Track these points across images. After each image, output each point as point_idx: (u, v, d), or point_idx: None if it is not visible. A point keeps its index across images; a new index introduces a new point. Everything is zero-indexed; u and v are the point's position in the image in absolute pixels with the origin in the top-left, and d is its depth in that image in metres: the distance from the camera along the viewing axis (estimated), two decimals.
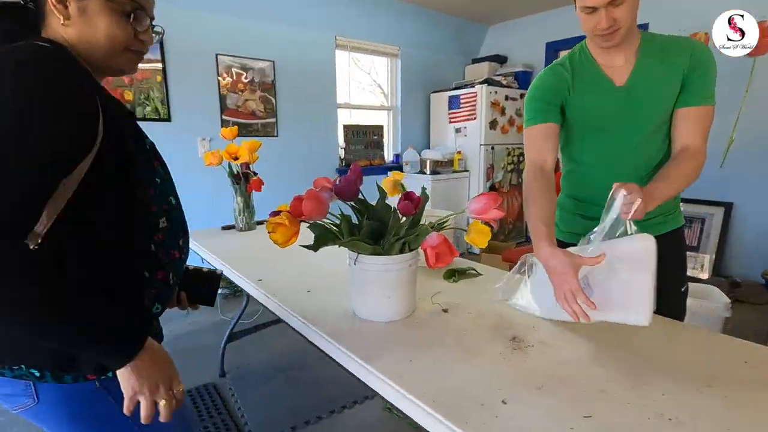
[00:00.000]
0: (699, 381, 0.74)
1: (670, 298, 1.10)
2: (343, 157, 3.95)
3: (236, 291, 3.08)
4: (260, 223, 2.10)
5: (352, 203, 1.02)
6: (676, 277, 1.22)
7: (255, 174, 1.99)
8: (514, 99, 4.12)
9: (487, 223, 0.96)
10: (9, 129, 0.55)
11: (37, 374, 0.67)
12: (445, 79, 4.40)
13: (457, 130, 4.13)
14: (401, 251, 0.97)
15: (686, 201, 3.14)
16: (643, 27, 1.22)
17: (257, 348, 2.35)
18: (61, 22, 0.67)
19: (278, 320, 1.20)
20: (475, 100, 3.92)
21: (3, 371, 0.67)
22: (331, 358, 0.93)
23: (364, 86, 5.52)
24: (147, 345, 0.66)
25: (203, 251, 1.71)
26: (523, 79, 4.23)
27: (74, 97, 0.61)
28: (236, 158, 1.90)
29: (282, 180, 3.11)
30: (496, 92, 3.94)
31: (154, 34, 0.78)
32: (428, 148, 4.37)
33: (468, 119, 4.02)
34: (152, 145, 0.79)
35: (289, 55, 3.40)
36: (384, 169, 4.15)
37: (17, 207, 0.55)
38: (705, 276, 3.13)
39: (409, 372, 0.78)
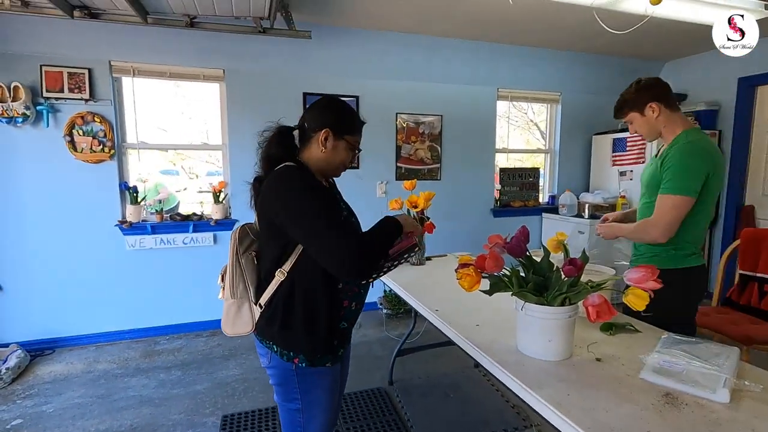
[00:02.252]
0: None
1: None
2: (498, 198, 4.18)
3: (399, 312, 3.56)
4: (428, 258, 2.50)
5: (521, 259, 1.29)
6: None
7: (428, 218, 2.40)
8: None
9: None
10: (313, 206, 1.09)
11: (275, 349, 1.18)
12: (609, 120, 4.27)
13: (622, 174, 3.96)
14: (563, 303, 1.19)
15: None
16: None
17: (419, 365, 2.72)
18: (321, 150, 1.20)
19: (440, 344, 1.51)
20: (644, 143, 3.73)
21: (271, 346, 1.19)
22: (497, 380, 1.20)
23: (520, 124, 5.67)
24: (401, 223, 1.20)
25: (386, 279, 2.16)
26: (705, 118, 3.84)
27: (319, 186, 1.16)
28: (416, 206, 2.34)
29: (442, 217, 3.51)
30: None
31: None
32: (587, 191, 4.27)
33: (635, 162, 3.83)
34: (348, 207, 1.30)
35: (454, 108, 3.85)
36: (539, 210, 4.23)
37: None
38: None
39: (567, 403, 1.01)
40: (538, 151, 4.61)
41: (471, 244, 3.42)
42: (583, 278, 1.23)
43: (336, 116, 1.23)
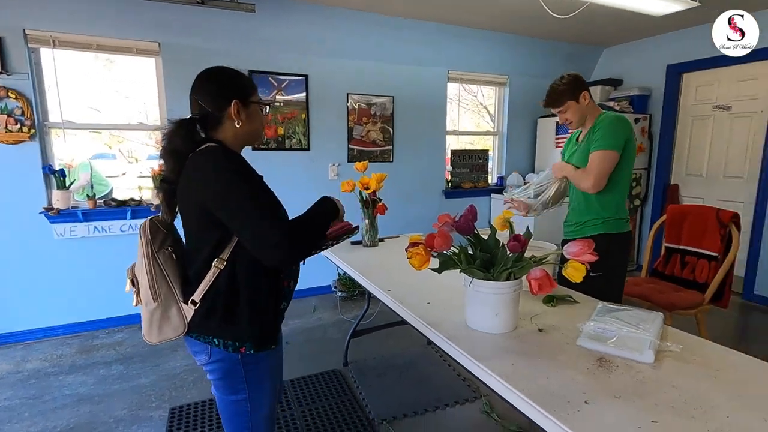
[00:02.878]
0: (765, 411, 0.89)
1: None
2: (449, 179, 4.26)
3: (353, 294, 3.57)
4: (381, 240, 2.51)
5: (469, 237, 1.32)
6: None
7: (380, 200, 2.40)
8: None
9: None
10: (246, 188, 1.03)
11: (216, 343, 1.10)
12: None
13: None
14: (508, 278, 1.24)
15: None
16: None
17: (374, 345, 2.76)
18: (238, 125, 1.13)
19: (394, 323, 1.53)
20: None
21: (211, 341, 1.11)
22: (448, 356, 1.24)
23: (470, 107, 5.78)
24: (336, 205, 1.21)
25: (339, 261, 2.15)
26: (638, 103, 4.10)
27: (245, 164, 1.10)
28: (367, 188, 2.32)
29: (395, 199, 3.53)
30: None
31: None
32: (533, 172, 4.46)
33: None
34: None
35: (405, 90, 3.85)
36: (488, 191, 4.36)
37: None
38: None
39: (512, 372, 1.05)
40: (487, 133, 4.72)
41: (423, 225, 3.48)
42: (527, 254, 1.29)
43: (235, 84, 1.16)
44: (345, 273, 2.28)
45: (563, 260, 1.20)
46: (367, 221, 2.40)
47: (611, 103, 4.07)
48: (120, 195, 3.11)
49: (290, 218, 1.10)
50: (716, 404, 0.91)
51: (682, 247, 2.58)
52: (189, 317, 1.10)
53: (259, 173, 1.14)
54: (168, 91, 3.07)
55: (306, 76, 3.44)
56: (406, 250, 1.28)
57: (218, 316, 1.08)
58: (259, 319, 1.11)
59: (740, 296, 3.64)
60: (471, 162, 4.35)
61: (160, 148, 1.14)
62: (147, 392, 2.31)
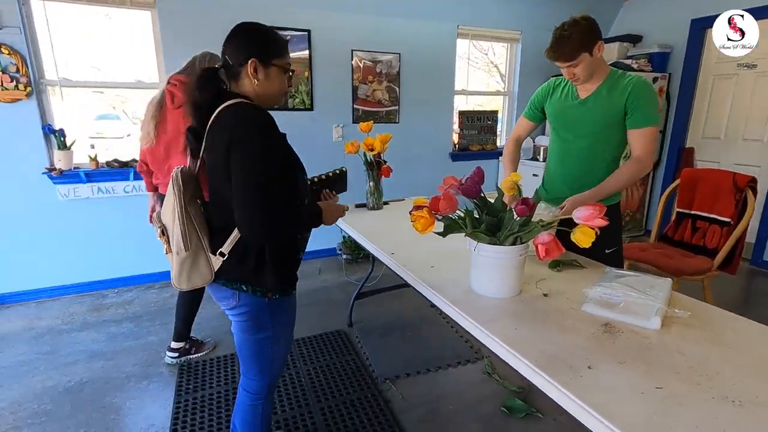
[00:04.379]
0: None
1: (598, 256, 1.55)
2: (457, 141, 4.15)
3: (358, 257, 3.58)
4: (386, 203, 2.47)
5: (475, 200, 1.28)
6: (604, 240, 1.48)
7: (385, 162, 2.34)
8: None
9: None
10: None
11: (245, 289, 1.17)
12: None
13: None
14: (514, 243, 1.21)
15: None
16: None
17: (378, 307, 2.79)
18: (254, 83, 1.13)
19: (398, 286, 1.54)
20: None
21: (239, 288, 1.18)
22: (442, 321, 1.23)
23: (480, 66, 5.55)
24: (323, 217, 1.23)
25: (343, 224, 2.12)
26: (658, 61, 3.90)
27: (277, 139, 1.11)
28: (372, 149, 2.26)
29: (401, 161, 3.46)
30: None
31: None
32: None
33: None
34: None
35: (413, 47, 3.67)
36: (496, 153, 4.26)
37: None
38: None
39: (514, 336, 1.04)
40: (497, 93, 4.56)
41: (429, 188, 3.41)
42: (535, 218, 1.25)
43: (258, 42, 1.14)
44: (349, 236, 2.26)
45: (566, 224, 1.16)
46: (371, 183, 2.36)
47: (629, 61, 3.88)
48: (123, 156, 3.07)
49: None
50: (722, 370, 0.90)
51: (693, 212, 2.52)
52: (216, 267, 1.16)
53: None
54: (165, 47, 2.96)
55: (308, 31, 3.29)
56: (410, 213, 1.24)
57: (247, 266, 1.15)
58: (282, 269, 1.19)
59: (748, 262, 3.60)
60: (480, 123, 4.22)
61: (186, 100, 1.18)
62: (157, 349, 2.37)
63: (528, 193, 1.27)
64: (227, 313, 1.26)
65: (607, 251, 1.66)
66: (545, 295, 1.27)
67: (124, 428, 1.81)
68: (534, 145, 4.13)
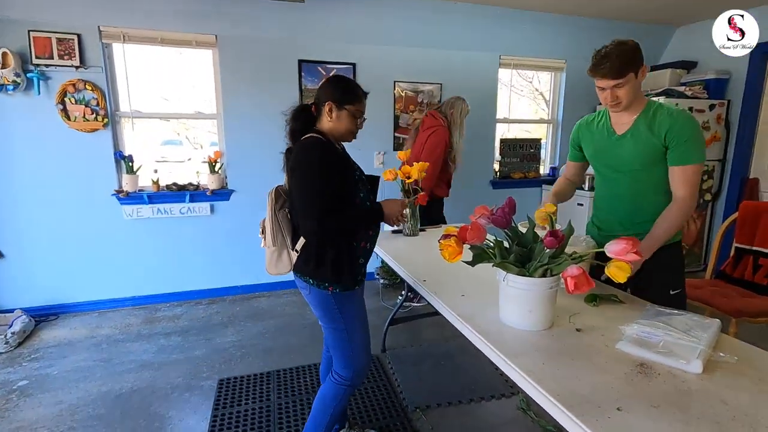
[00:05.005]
0: None
1: (662, 298, 1.42)
2: (497, 169, 4.13)
3: (396, 281, 3.60)
4: (422, 229, 2.50)
5: (506, 231, 1.28)
6: (667, 281, 1.57)
7: (421, 190, 2.39)
8: (701, 111, 3.66)
9: None
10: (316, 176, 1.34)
11: (312, 282, 1.45)
12: None
13: None
14: (544, 275, 1.19)
15: None
16: None
17: (412, 333, 2.78)
18: (328, 120, 1.45)
19: (432, 314, 1.54)
20: None
21: (308, 281, 1.46)
22: (478, 351, 1.22)
23: (525, 93, 5.52)
24: (384, 213, 1.50)
25: (378, 249, 2.17)
26: (715, 87, 3.71)
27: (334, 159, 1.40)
28: (408, 177, 2.32)
29: None
30: (677, 104, 3.58)
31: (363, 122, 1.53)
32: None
33: None
34: (360, 172, 1.53)
35: (454, 76, 3.75)
36: (539, 182, 4.18)
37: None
38: None
39: (541, 372, 1.02)
40: (540, 121, 4.51)
41: (468, 216, 3.41)
42: (569, 249, 1.23)
43: (336, 90, 1.44)
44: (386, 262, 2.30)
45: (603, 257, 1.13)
46: (407, 211, 2.40)
47: (682, 88, 3.72)
48: (179, 179, 3.33)
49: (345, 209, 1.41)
50: None
51: (755, 248, 2.33)
52: (293, 261, 1.47)
53: (353, 164, 1.52)
54: (223, 82, 3.23)
55: (354, 65, 3.46)
56: (439, 242, 1.26)
57: (311, 263, 1.43)
58: (339, 270, 1.43)
59: None
60: (522, 151, 4.18)
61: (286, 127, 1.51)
62: (200, 363, 2.50)
63: (568, 221, 1.25)
64: (309, 303, 1.53)
65: (671, 292, 1.57)
66: (578, 330, 1.24)
67: None
68: None
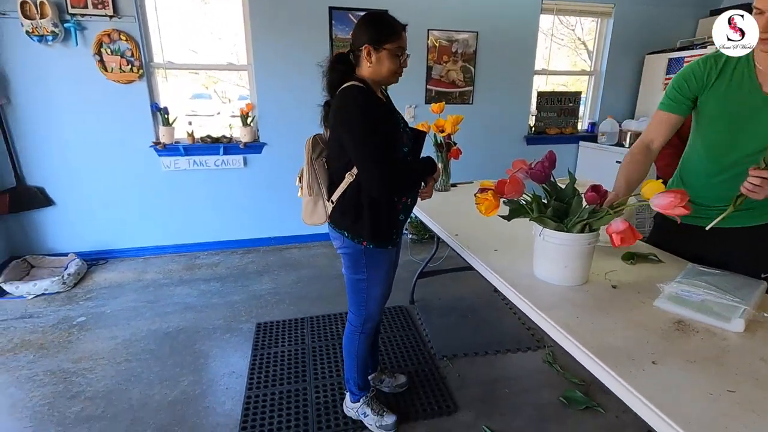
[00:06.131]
0: None
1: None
2: (533, 124, 3.97)
3: (423, 237, 3.63)
4: (454, 185, 2.48)
5: (544, 186, 1.26)
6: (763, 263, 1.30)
7: (455, 144, 2.34)
8: None
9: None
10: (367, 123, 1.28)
11: (347, 235, 1.44)
12: (669, 37, 3.83)
13: None
14: (582, 231, 1.17)
15: None
16: None
17: (440, 287, 2.84)
18: (368, 66, 1.34)
19: (460, 268, 1.55)
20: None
21: (343, 233, 1.44)
22: (502, 306, 1.23)
23: (566, 43, 5.18)
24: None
25: None
26: None
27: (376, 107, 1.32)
28: (442, 131, 2.27)
29: (472, 143, 3.41)
30: None
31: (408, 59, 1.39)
32: (632, 118, 3.98)
33: None
34: (405, 124, 1.44)
35: (492, 24, 3.54)
36: (576, 138, 4.01)
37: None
38: None
39: (575, 325, 1.03)
40: (582, 72, 4.25)
41: (500, 172, 3.33)
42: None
43: (371, 29, 1.32)
44: (416, 216, 2.31)
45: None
46: (440, 165, 2.37)
47: None
48: (214, 132, 3.38)
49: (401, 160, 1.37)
50: None
51: None
52: (329, 212, 1.45)
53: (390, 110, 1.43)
54: (253, 32, 3.17)
55: (385, 11, 3.30)
56: (475, 195, 1.25)
57: (348, 216, 1.41)
58: (377, 224, 1.40)
59: None
60: (560, 105, 3.98)
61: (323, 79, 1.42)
62: (238, 307, 2.65)
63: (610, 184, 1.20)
64: (338, 251, 1.53)
65: (763, 275, 1.30)
66: (614, 287, 1.23)
67: (210, 371, 2.07)
68: (621, 130, 3.81)
